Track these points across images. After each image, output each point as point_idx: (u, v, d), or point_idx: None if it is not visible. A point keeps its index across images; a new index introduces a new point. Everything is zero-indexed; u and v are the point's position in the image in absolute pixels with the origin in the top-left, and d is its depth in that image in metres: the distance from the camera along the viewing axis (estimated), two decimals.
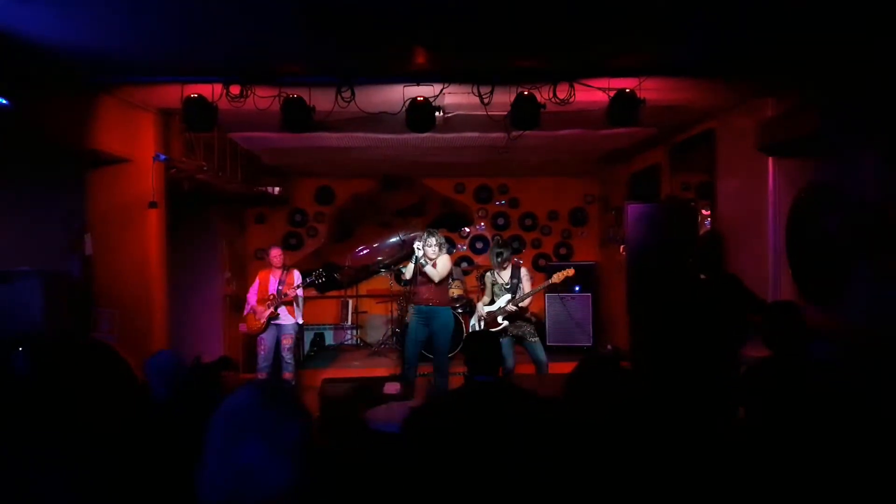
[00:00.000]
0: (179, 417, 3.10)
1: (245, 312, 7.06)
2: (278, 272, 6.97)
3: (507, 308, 6.16)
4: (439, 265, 6.22)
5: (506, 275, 6.25)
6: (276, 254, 7.00)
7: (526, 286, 6.22)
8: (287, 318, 6.95)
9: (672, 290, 5.70)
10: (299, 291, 6.97)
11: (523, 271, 6.29)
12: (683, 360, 5.00)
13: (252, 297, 6.99)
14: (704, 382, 4.66)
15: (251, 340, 7.17)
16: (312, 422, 1.41)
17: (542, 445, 2.54)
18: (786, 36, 4.07)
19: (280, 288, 6.87)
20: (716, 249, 5.11)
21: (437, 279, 6.19)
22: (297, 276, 7.05)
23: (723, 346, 4.81)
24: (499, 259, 6.21)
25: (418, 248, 6.19)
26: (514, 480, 2.47)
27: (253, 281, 7.21)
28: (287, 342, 6.94)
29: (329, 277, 9.60)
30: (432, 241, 6.19)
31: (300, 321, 7.10)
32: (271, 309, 6.82)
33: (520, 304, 6.13)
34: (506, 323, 6.17)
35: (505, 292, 6.21)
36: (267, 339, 6.92)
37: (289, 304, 6.92)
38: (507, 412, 2.69)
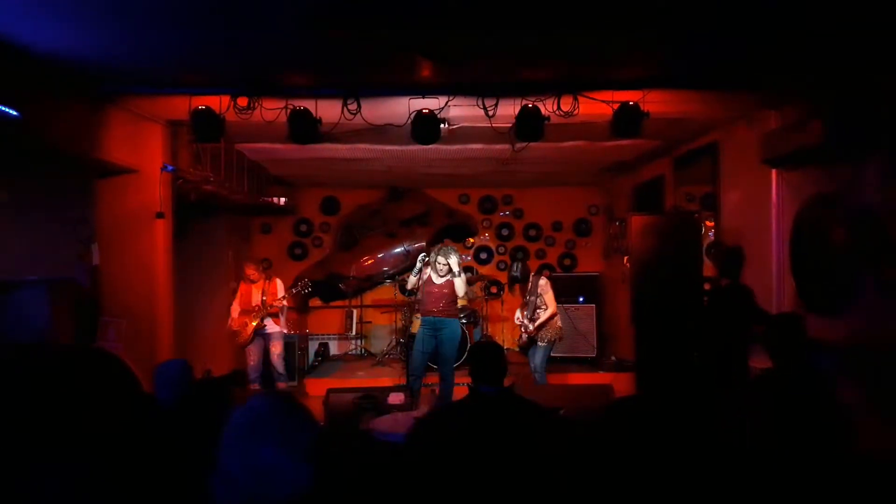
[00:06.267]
0: (185, 427, 3.11)
1: (228, 324, 7.04)
2: (259, 283, 6.97)
3: (526, 323, 6.44)
4: (460, 280, 6.34)
5: (530, 287, 6.54)
6: (250, 271, 7.00)
7: (546, 299, 6.40)
8: (273, 326, 6.97)
9: (680, 298, 5.73)
10: (284, 302, 6.96)
11: (541, 282, 6.48)
12: (689, 371, 5.00)
13: (234, 309, 6.98)
14: (709, 393, 4.66)
15: None
16: (322, 430, 1.46)
17: (547, 456, 2.54)
18: (790, 47, 4.09)
19: (264, 299, 6.88)
20: (739, 256, 5.21)
21: (461, 292, 6.34)
22: (279, 285, 7.05)
23: (728, 357, 4.80)
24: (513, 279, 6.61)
25: (440, 262, 6.24)
26: (518, 491, 2.48)
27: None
28: (276, 349, 6.95)
29: (332, 288, 9.63)
30: (455, 257, 6.33)
31: (285, 330, 7.11)
32: (257, 320, 6.82)
33: (536, 321, 6.38)
34: (526, 339, 6.44)
35: (526, 306, 6.51)
36: (255, 350, 6.93)
37: (274, 315, 6.93)
38: (512, 423, 2.70)
